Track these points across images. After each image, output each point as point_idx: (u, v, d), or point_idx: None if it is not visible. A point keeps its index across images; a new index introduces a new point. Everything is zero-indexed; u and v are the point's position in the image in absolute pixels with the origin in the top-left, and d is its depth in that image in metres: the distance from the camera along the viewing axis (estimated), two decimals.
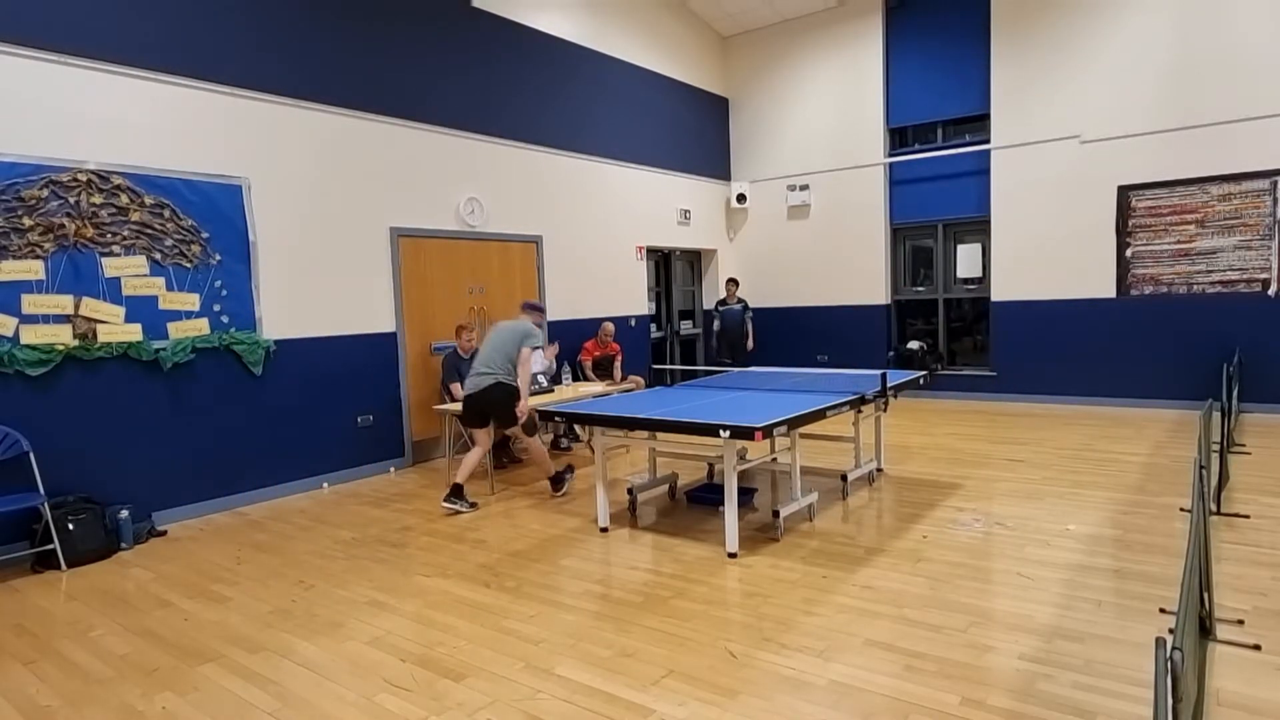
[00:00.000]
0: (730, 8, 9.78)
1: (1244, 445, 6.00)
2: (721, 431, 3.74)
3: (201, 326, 5.26)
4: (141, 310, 4.97)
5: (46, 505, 4.36)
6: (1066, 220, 8.22)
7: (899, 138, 9.47)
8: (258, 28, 5.57)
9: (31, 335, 4.50)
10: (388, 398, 6.49)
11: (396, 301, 6.53)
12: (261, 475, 5.67)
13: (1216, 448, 4.69)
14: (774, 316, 10.38)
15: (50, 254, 4.57)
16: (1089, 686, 2.55)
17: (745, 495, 5.09)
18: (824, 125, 9.82)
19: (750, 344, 9.54)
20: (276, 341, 5.69)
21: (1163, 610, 3.10)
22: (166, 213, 5.08)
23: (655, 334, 9.94)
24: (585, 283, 8.46)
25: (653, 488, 5.25)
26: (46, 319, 4.56)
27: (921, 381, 5.62)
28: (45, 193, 4.55)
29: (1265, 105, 7.11)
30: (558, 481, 5.51)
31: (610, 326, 7.69)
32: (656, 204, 9.44)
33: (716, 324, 9.68)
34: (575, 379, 7.41)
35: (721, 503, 4.33)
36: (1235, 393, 6.33)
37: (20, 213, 4.45)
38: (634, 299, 9.17)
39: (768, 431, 3.69)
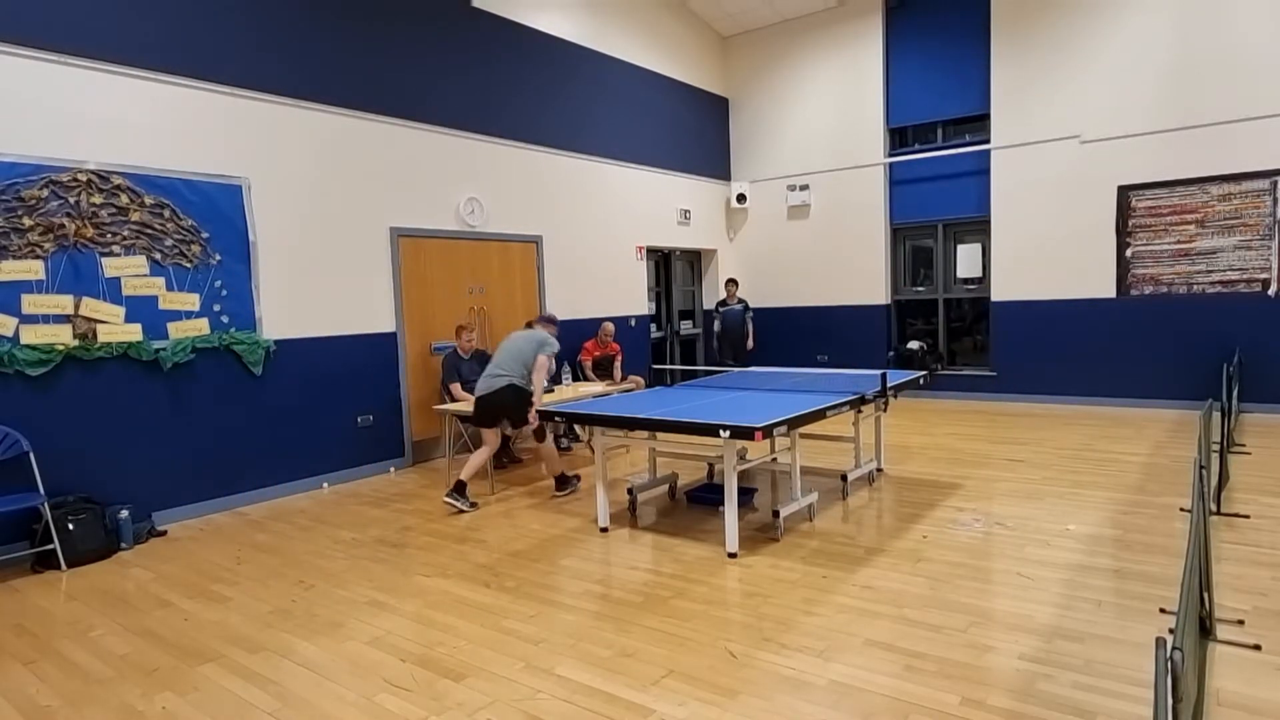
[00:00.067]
0: (730, 8, 9.78)
1: (1244, 445, 6.00)
2: (721, 431, 3.74)
3: (201, 326, 5.26)
4: (141, 310, 4.97)
5: (46, 505, 4.36)
6: (1066, 220, 8.22)
7: (899, 138, 9.47)
8: (258, 28, 5.57)
9: (31, 335, 4.50)
10: (388, 398, 6.49)
11: (396, 301, 6.53)
12: (261, 475, 5.67)
13: (1216, 448, 4.69)
14: (774, 316, 10.38)
15: (50, 254, 4.57)
16: (1089, 686, 2.55)
17: (745, 495, 5.09)
18: (824, 125, 9.82)
19: (750, 344, 9.54)
20: (276, 341, 5.69)
21: (1163, 610, 3.10)
22: (166, 213, 5.08)
23: (655, 334, 9.94)
24: (585, 283, 8.46)
25: (653, 488, 5.25)
26: (46, 319, 4.56)
27: (921, 381, 5.62)
28: (45, 193, 4.55)
29: (1265, 105, 7.11)
30: (563, 482, 5.52)
31: (610, 326, 7.69)
32: (656, 204, 9.44)
33: (717, 325, 9.67)
34: (575, 379, 7.40)
35: (721, 503, 4.33)
36: (1235, 393, 6.33)
37: (20, 213, 4.45)
38: (634, 299, 9.17)
39: (768, 431, 3.69)
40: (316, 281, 5.96)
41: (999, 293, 8.74)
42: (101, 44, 4.79)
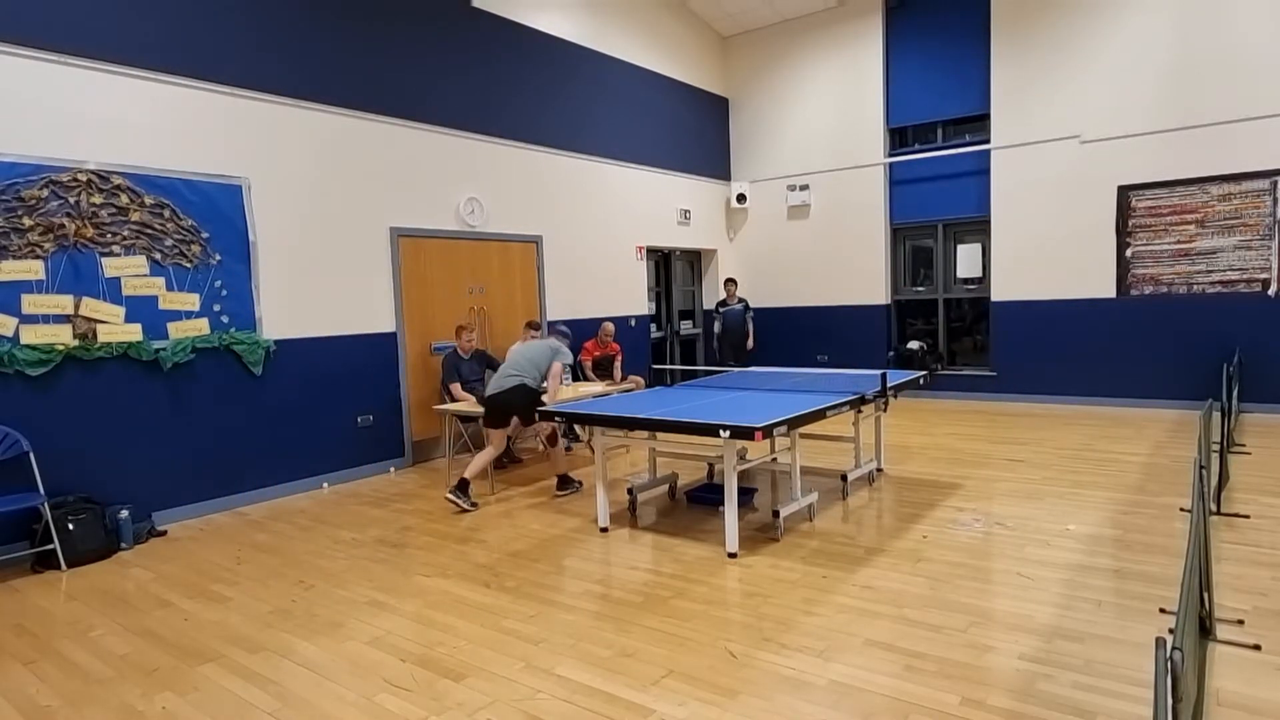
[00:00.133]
0: (730, 8, 9.78)
1: (1244, 445, 6.00)
2: (721, 431, 3.74)
3: (201, 326, 5.26)
4: (141, 310, 4.97)
5: (46, 505, 4.36)
6: (1066, 220, 8.22)
7: (899, 138, 9.47)
8: (258, 28, 5.57)
9: (31, 335, 4.50)
10: (388, 398, 6.49)
11: (396, 301, 6.53)
12: (261, 475, 5.67)
13: (1216, 448, 4.69)
14: (774, 316, 10.38)
15: (50, 254, 4.57)
16: (1089, 686, 2.55)
17: (745, 495, 5.09)
18: (824, 125, 9.82)
19: (751, 343, 9.54)
20: (276, 341, 5.69)
21: (1163, 610, 3.10)
22: (166, 213, 5.08)
23: (655, 334, 9.94)
24: (585, 283, 8.46)
25: (653, 488, 5.25)
26: (46, 319, 4.56)
27: (921, 381, 5.62)
28: (45, 193, 4.55)
29: (1265, 105, 7.11)
30: (565, 482, 5.53)
31: (610, 326, 7.69)
32: (656, 204, 9.44)
33: (718, 326, 9.66)
34: (575, 379, 7.40)
35: (721, 503, 4.33)
36: (1235, 393, 6.33)
37: (20, 213, 4.45)
38: (634, 299, 9.17)
39: (768, 431, 3.69)
40: (316, 281, 5.96)
41: (999, 293, 8.74)
42: (101, 44, 4.80)
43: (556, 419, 4.68)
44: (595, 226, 8.56)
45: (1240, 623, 2.96)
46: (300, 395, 5.87)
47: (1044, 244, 8.37)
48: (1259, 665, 2.64)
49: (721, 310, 9.62)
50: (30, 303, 4.49)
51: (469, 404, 6.00)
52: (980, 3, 8.57)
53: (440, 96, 6.84)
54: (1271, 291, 7.27)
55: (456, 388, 6.19)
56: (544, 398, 5.34)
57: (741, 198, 10.45)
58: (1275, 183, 7.17)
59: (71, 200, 4.65)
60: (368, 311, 6.32)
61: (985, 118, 8.71)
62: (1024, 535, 4.13)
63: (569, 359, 5.59)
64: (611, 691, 2.67)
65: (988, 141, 8.67)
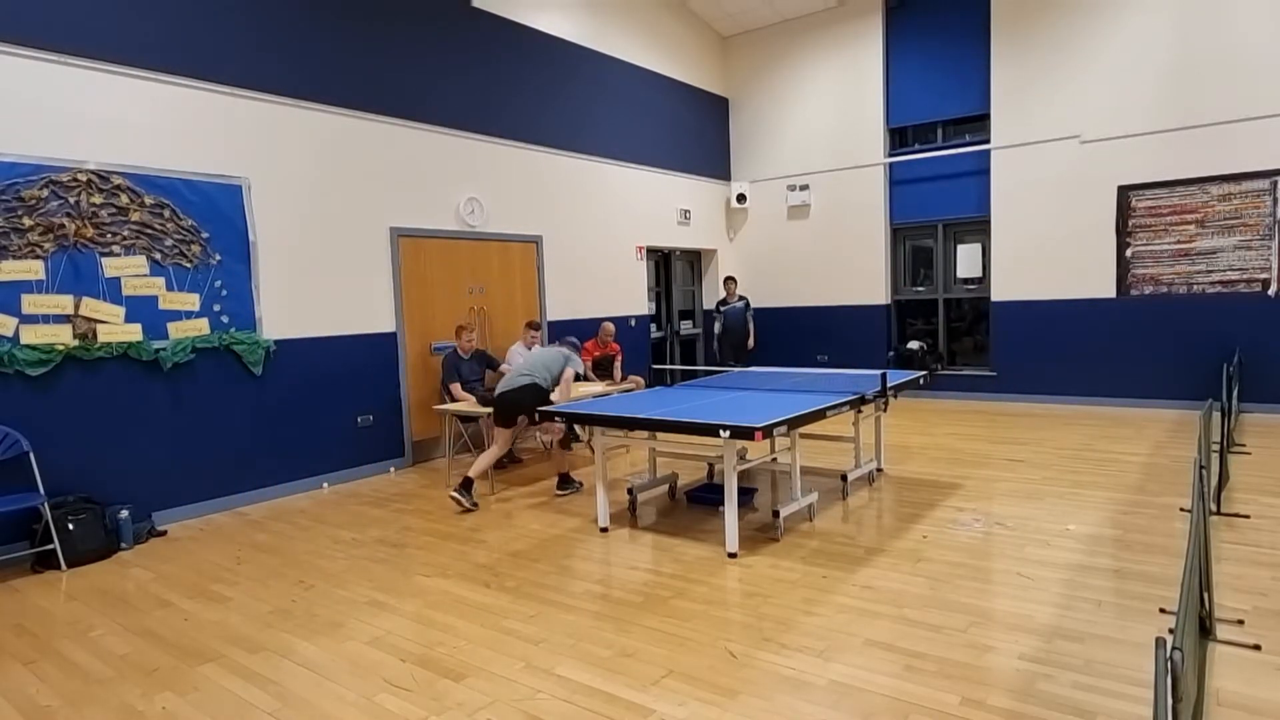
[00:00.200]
0: (730, 8, 9.78)
1: (1244, 445, 6.00)
2: (721, 431, 3.74)
3: (201, 326, 5.26)
4: (141, 310, 4.97)
5: (46, 505, 4.36)
6: (1066, 220, 8.22)
7: (899, 138, 9.47)
8: (258, 28, 5.57)
9: (31, 335, 4.50)
10: (388, 398, 6.49)
11: (396, 301, 6.53)
12: (261, 475, 5.67)
13: (1216, 448, 4.68)
14: (774, 316, 10.38)
15: (50, 254, 4.57)
16: (1089, 686, 2.55)
17: (745, 495, 5.09)
18: (824, 125, 9.82)
19: (752, 342, 9.54)
20: (276, 341, 5.69)
21: (1163, 610, 3.10)
22: (166, 213, 5.08)
23: (655, 334, 9.94)
24: (585, 283, 8.46)
25: (653, 488, 5.25)
26: (46, 319, 4.56)
27: (921, 381, 5.62)
28: (45, 193, 4.55)
29: (1265, 105, 7.11)
30: (565, 482, 5.53)
31: (610, 326, 7.68)
32: (656, 204, 9.44)
33: (719, 325, 9.64)
34: (575, 379, 7.39)
35: (721, 503, 4.33)
36: (1235, 393, 6.33)
37: (20, 213, 4.45)
38: (634, 299, 9.17)
39: (768, 431, 3.69)
40: (316, 281, 5.96)
41: (999, 293, 8.74)
42: (101, 44, 4.79)
43: (556, 419, 4.68)
44: (595, 226, 8.56)
45: (1240, 623, 2.96)
46: (300, 395, 5.87)
47: (1044, 244, 8.37)
48: (1259, 665, 2.64)
49: (722, 309, 9.62)
50: (30, 303, 4.50)
51: (469, 404, 6.00)
52: (980, 3, 8.57)
53: (440, 96, 6.84)
54: (1271, 291, 7.27)
55: (456, 388, 6.19)
56: (552, 396, 5.34)
57: (741, 198, 10.45)
58: (1275, 183, 7.17)
59: (71, 200, 4.65)
60: (368, 311, 6.32)
61: (985, 118, 8.71)
62: (1024, 535, 4.13)
63: (580, 368, 5.69)
64: (611, 691, 2.67)
65: (988, 141, 8.67)
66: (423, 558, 4.25)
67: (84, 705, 2.76)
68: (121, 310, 4.88)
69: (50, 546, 4.33)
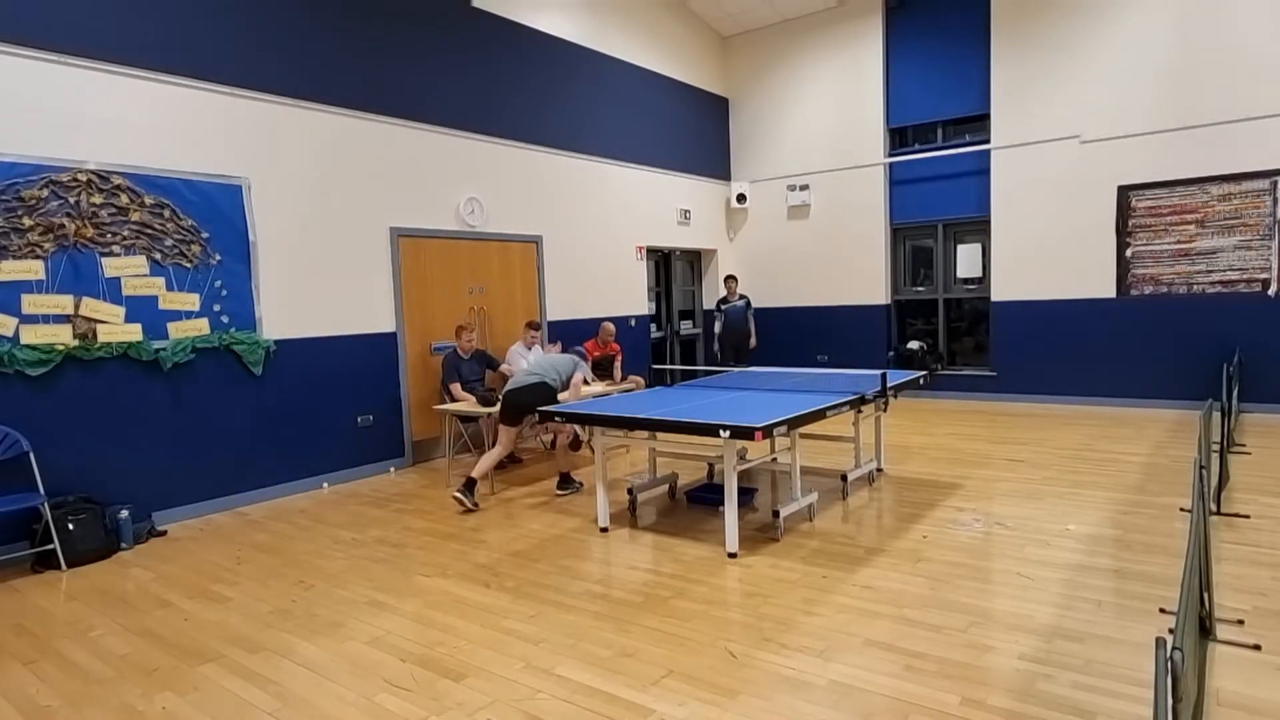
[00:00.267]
0: (730, 8, 9.78)
1: (1244, 445, 6.00)
2: (721, 431, 3.74)
3: (201, 326, 5.26)
4: (141, 310, 4.97)
5: (46, 505, 4.36)
6: (1066, 220, 8.22)
7: (899, 138, 9.47)
8: (258, 28, 5.57)
9: (31, 335, 4.50)
10: (388, 398, 6.49)
11: (396, 301, 6.53)
12: (261, 475, 5.67)
13: (1216, 448, 4.68)
14: (774, 316, 10.38)
15: (50, 254, 4.57)
16: (1089, 686, 2.55)
17: (745, 495, 5.09)
18: (824, 125, 9.82)
19: (754, 341, 9.54)
20: (276, 341, 5.69)
21: (1163, 610, 3.10)
22: (166, 213, 5.08)
23: (655, 334, 9.94)
24: (585, 283, 8.46)
25: (653, 488, 5.25)
26: (46, 319, 4.56)
27: (921, 381, 5.62)
28: (45, 193, 4.55)
29: (1265, 105, 7.11)
30: (566, 482, 5.53)
31: (610, 327, 7.68)
32: (656, 204, 9.44)
33: (719, 325, 9.63)
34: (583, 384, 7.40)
35: (721, 503, 4.33)
36: (1235, 393, 6.33)
37: (20, 213, 4.45)
38: (634, 299, 9.17)
39: (768, 431, 3.69)
40: (316, 281, 5.96)
41: (999, 293, 8.74)
42: (101, 44, 4.79)
43: (556, 418, 4.68)
44: (595, 226, 8.56)
45: (1240, 623, 2.96)
46: (300, 395, 5.87)
47: (1044, 244, 8.37)
48: (1259, 665, 2.64)
49: (723, 308, 9.61)
50: (30, 303, 4.49)
51: (469, 404, 6.00)
52: (980, 3, 8.57)
53: (440, 96, 6.84)
54: (1271, 291, 7.27)
55: (456, 388, 6.19)
56: (561, 397, 5.36)
57: (741, 198, 10.45)
58: (1275, 183, 7.17)
59: (71, 200, 4.65)
60: (368, 311, 6.32)
61: (985, 118, 8.71)
62: (1024, 535, 4.13)
63: (589, 375, 5.73)
64: (611, 691, 2.67)
65: (988, 141, 8.67)
66: (423, 558, 4.25)
67: (84, 705, 2.76)
68: (121, 310, 4.88)
69: (50, 546, 4.33)
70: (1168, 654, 1.40)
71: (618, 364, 7.61)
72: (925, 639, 2.96)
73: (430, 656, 3.01)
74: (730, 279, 9.66)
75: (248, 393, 5.55)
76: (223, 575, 4.11)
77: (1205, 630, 2.84)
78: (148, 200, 4.99)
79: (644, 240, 9.27)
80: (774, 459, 4.86)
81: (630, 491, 4.97)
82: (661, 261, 10.12)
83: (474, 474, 5.17)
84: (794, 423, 3.96)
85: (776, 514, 4.32)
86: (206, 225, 5.28)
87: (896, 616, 3.18)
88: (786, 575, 3.70)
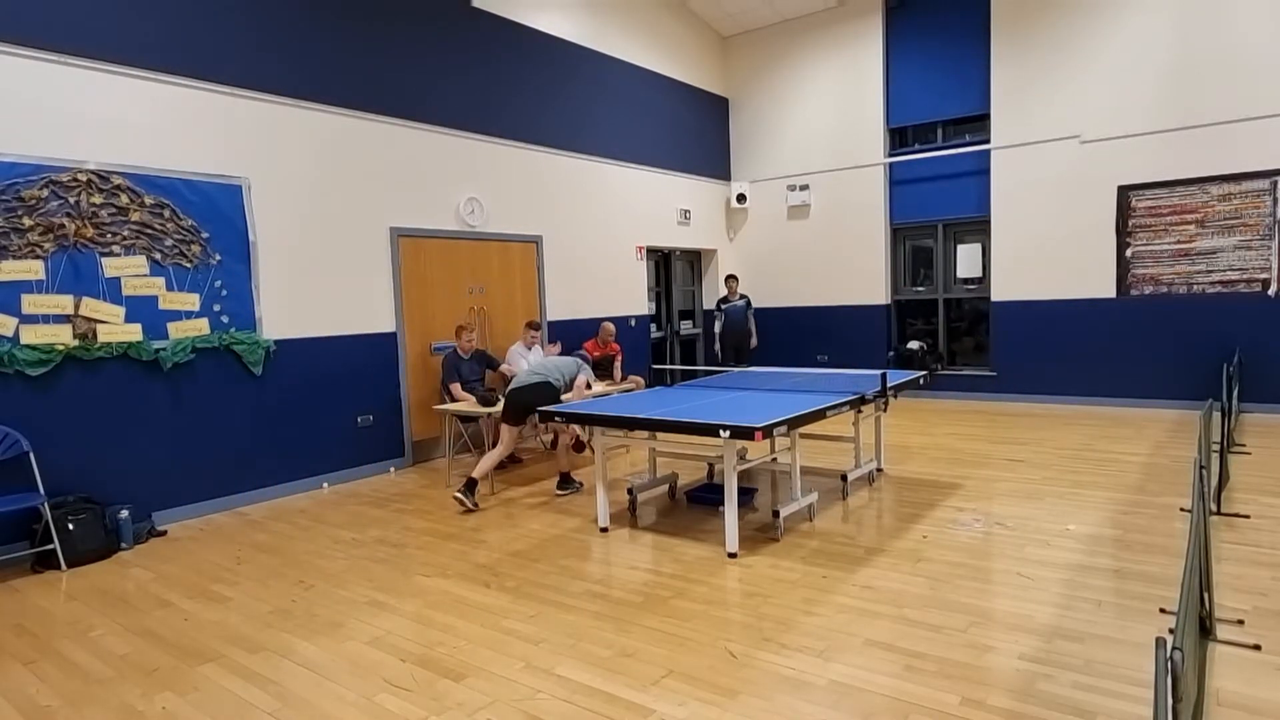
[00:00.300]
0: (730, 8, 9.78)
1: (1244, 445, 6.00)
2: (721, 431, 3.74)
3: (201, 326, 5.26)
4: (141, 310, 4.97)
5: (46, 505, 4.36)
6: (1066, 220, 8.22)
7: (899, 138, 9.47)
8: (258, 28, 5.57)
9: (31, 335, 4.50)
10: (388, 398, 6.49)
11: (396, 301, 6.53)
12: (261, 475, 5.67)
13: (1216, 448, 4.68)
14: (774, 316, 10.38)
15: (50, 254, 4.57)
16: (1089, 686, 2.55)
17: (745, 495, 5.09)
18: (824, 125, 9.82)
19: (755, 341, 9.53)
20: (276, 341, 5.69)
21: (1163, 610, 3.10)
22: (166, 213, 5.08)
23: (655, 334, 9.94)
24: (585, 283, 8.46)
25: (653, 488, 5.25)
26: (46, 319, 4.56)
27: (921, 381, 5.62)
28: (45, 193, 4.55)
29: (1265, 105, 7.11)
30: (566, 482, 5.54)
31: (610, 327, 7.68)
32: (656, 204, 9.44)
33: (719, 324, 9.62)
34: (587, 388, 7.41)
35: (721, 503, 4.33)
36: (1235, 393, 6.33)
37: (20, 213, 4.45)
38: (634, 299, 9.17)
39: (768, 431, 3.69)
40: (316, 281, 5.96)
41: (999, 293, 8.74)
42: (101, 44, 4.79)
43: (556, 418, 4.68)
44: (595, 226, 8.56)
45: (1240, 623, 2.96)
46: (300, 395, 5.87)
47: (1044, 244, 8.37)
48: (1259, 665, 2.64)
49: (723, 307, 9.61)
50: (30, 303, 4.49)
51: (469, 404, 6.00)
52: (980, 3, 8.57)
53: (440, 96, 6.84)
54: (1271, 291, 7.27)
55: (456, 388, 6.19)
56: (564, 398, 5.36)
57: (741, 198, 10.45)
58: (1275, 183, 7.17)
59: (71, 200, 4.65)
60: (368, 311, 6.32)
61: (985, 118, 8.71)
62: (1024, 535, 4.13)
63: (593, 379, 5.74)
64: (611, 691, 2.67)
65: (988, 141, 8.67)
66: (423, 558, 4.25)
67: (84, 705, 2.76)
68: (121, 310, 4.88)
69: (50, 546, 4.33)
70: (1168, 654, 1.40)
71: (618, 364, 7.61)
72: (925, 639, 2.96)
73: (430, 656, 3.01)
74: (731, 278, 9.66)
75: (248, 393, 5.55)
76: (223, 575, 4.11)
77: (1205, 630, 2.84)
78: (148, 200, 4.99)
79: (644, 240, 9.27)
80: (774, 459, 4.86)
81: (630, 491, 4.97)
82: (661, 261, 10.12)
83: (475, 474, 5.17)
84: (794, 423, 3.96)
85: (776, 514, 4.32)
86: (206, 225, 5.28)
87: (896, 616, 3.18)
88: (786, 575, 3.70)
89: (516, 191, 7.59)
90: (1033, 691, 2.53)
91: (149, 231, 4.99)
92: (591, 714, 2.53)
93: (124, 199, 4.88)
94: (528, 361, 6.68)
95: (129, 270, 4.90)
